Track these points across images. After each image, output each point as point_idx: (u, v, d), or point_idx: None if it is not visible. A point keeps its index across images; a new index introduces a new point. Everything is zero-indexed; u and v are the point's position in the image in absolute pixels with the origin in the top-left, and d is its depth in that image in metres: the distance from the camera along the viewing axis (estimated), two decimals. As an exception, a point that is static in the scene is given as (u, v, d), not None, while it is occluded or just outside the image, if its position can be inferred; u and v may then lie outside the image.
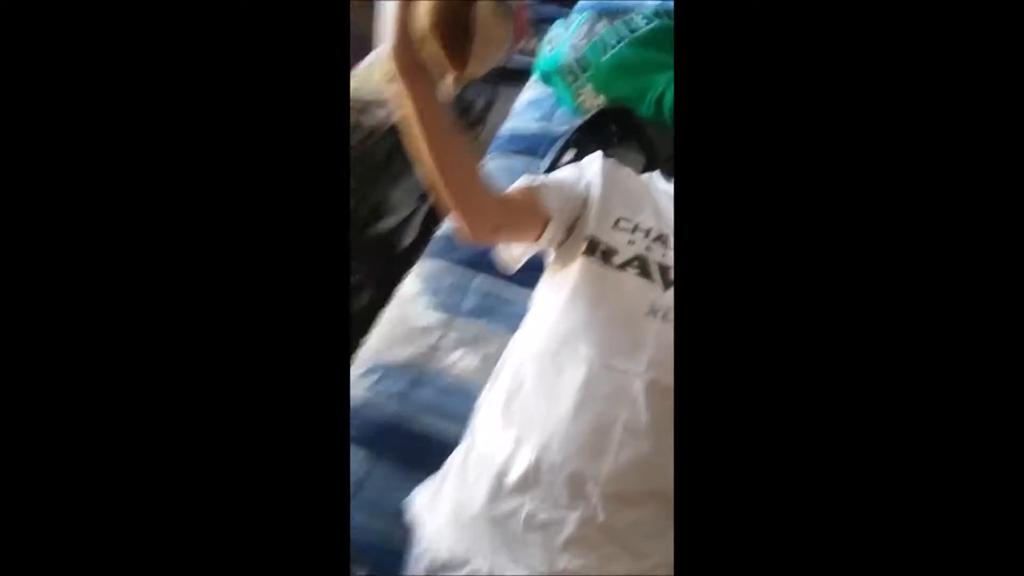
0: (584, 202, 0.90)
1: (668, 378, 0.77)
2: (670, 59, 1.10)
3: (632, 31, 1.14)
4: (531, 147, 1.22)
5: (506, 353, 0.87)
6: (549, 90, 1.23)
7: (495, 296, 1.10)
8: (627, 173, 0.97)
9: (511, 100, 1.39)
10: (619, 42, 1.14)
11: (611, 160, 0.96)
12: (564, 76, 1.17)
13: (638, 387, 0.76)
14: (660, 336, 0.79)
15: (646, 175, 1.01)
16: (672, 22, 1.19)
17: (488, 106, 2.13)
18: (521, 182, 0.88)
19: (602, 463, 0.74)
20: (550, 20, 1.47)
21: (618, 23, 1.15)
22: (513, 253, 0.91)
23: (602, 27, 1.16)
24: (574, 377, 0.77)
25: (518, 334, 0.88)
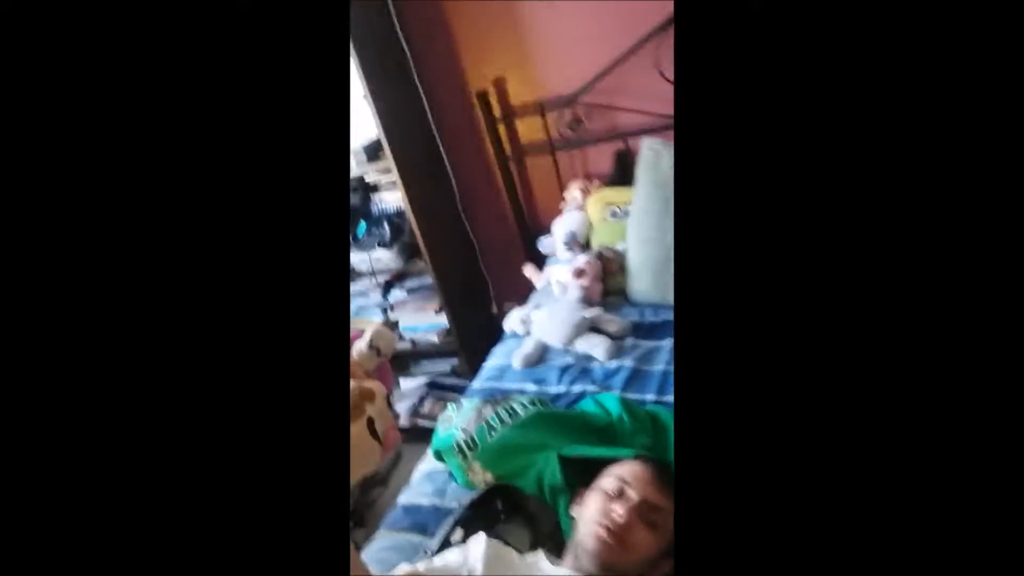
0: None
1: None
2: (549, 441, 1.25)
3: (513, 415, 1.31)
4: (422, 523, 1.24)
5: None
6: (443, 465, 1.32)
7: None
8: (511, 557, 0.99)
9: (415, 458, 1.47)
10: (503, 425, 1.30)
11: (495, 542, 1.00)
12: (455, 454, 1.28)
13: None
14: None
15: (531, 556, 1.04)
16: (547, 409, 1.39)
17: (393, 466, 2.20)
18: (403, 570, 0.88)
19: None
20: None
21: (500, 408, 1.33)
22: None
23: (488, 412, 1.33)
24: None
25: None
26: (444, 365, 2.39)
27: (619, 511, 0.95)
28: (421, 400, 2.36)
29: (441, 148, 2.22)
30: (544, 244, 2.13)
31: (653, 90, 1.88)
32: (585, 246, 1.98)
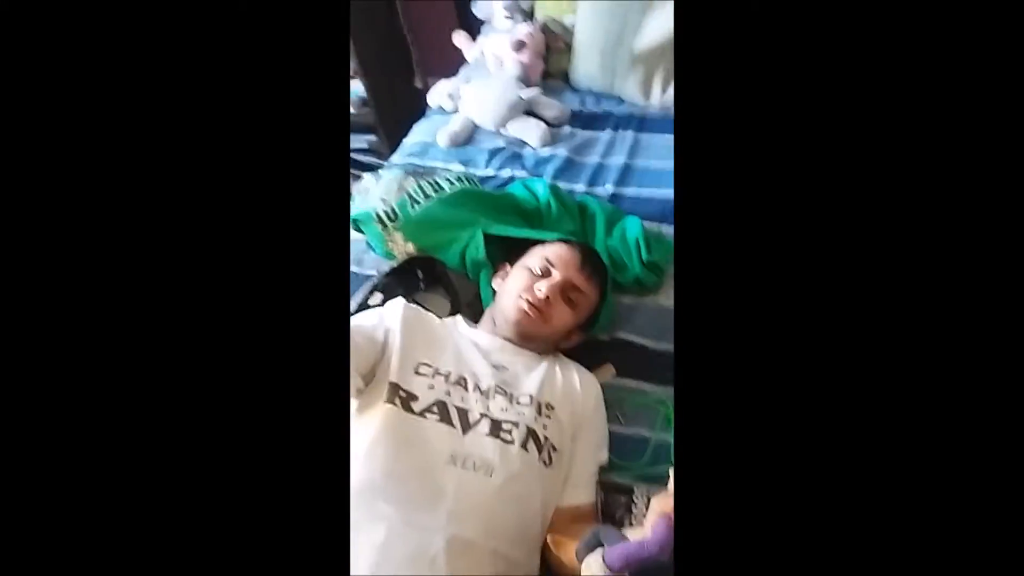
0: (383, 348, 0.89)
1: (469, 531, 0.75)
2: (473, 217, 1.21)
3: (438, 190, 1.24)
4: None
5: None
6: (361, 236, 1.26)
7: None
8: (429, 318, 1.00)
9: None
10: (426, 199, 1.22)
11: (412, 307, 0.99)
12: (375, 223, 1.21)
13: (438, 544, 0.72)
14: (461, 487, 0.78)
15: (449, 319, 1.05)
16: (473, 187, 1.32)
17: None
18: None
19: None
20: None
21: (424, 182, 1.25)
22: None
23: (411, 184, 1.24)
24: (372, 536, 0.71)
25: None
26: (360, 141, 2.20)
27: (543, 287, 0.97)
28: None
29: None
30: (480, 7, 1.86)
31: None
32: (529, 15, 1.75)
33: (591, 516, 0.88)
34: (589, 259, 1.04)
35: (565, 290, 0.98)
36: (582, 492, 0.89)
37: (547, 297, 0.96)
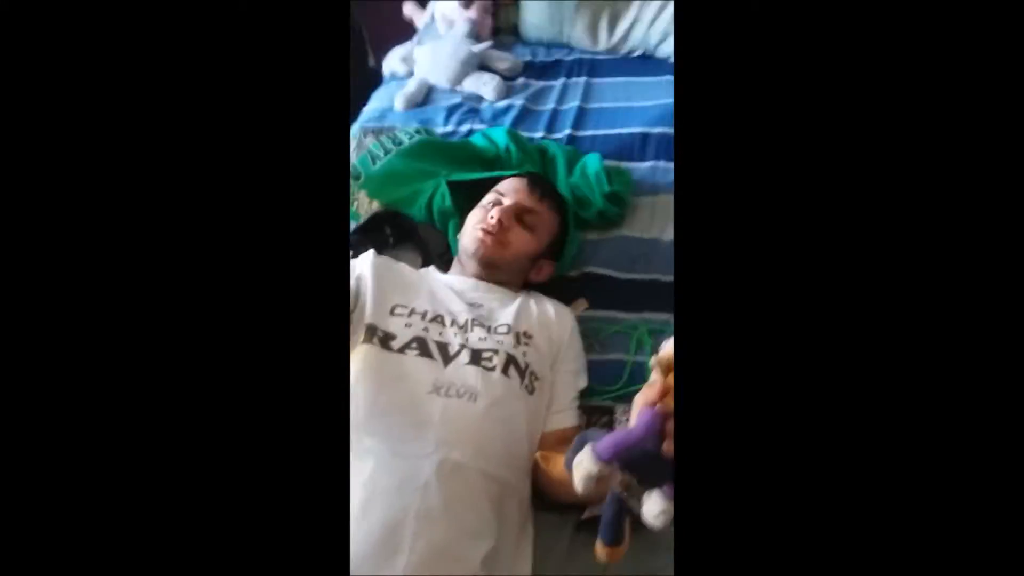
0: (356, 296, 0.90)
1: (457, 454, 0.76)
2: (436, 168, 1.21)
3: (397, 144, 1.24)
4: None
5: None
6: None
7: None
8: (400, 266, 1.01)
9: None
10: (386, 154, 1.22)
11: (383, 256, 1.00)
12: (337, 186, 1.21)
13: (427, 470, 0.74)
14: (446, 413, 0.79)
15: (422, 269, 1.06)
16: (432, 138, 1.32)
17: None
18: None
19: (397, 560, 0.69)
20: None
21: (383, 138, 1.25)
22: None
23: (368, 142, 1.24)
24: (360, 472, 0.72)
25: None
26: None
27: (494, 213, 0.99)
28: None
29: None
30: (426, -28, 1.85)
31: None
32: (473, -27, 1.75)
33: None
34: (537, 183, 1.06)
35: (518, 213, 1.00)
36: (566, 416, 0.92)
37: (499, 220, 0.98)
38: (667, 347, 0.58)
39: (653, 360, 0.59)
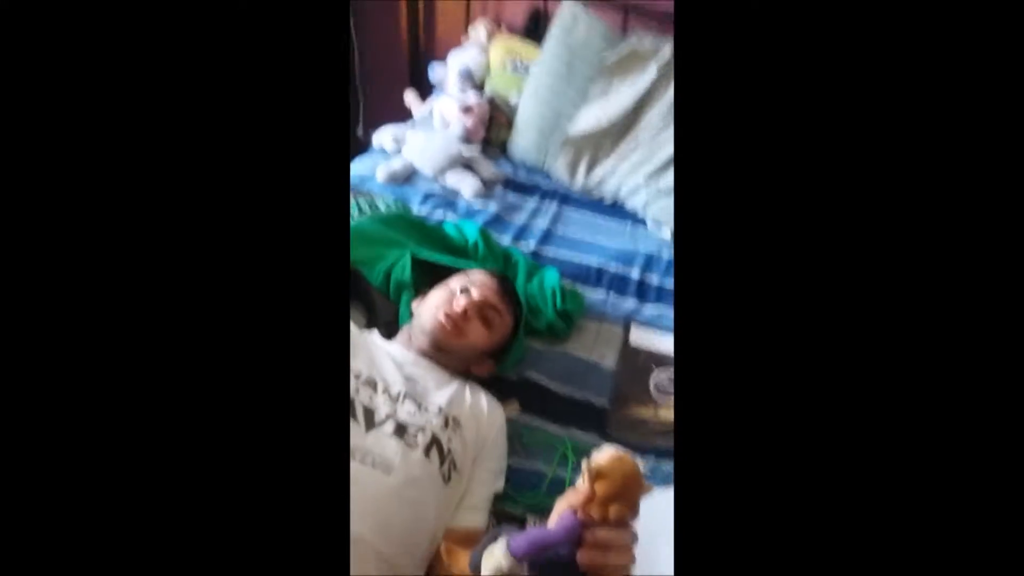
0: None
1: (357, 526, 0.70)
2: (404, 240, 1.23)
3: (373, 208, 1.26)
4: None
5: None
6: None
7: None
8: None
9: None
10: (360, 214, 1.24)
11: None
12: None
13: None
14: (356, 481, 0.74)
15: (366, 331, 1.04)
16: (408, 214, 1.35)
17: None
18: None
19: None
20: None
21: (360, 199, 1.27)
22: None
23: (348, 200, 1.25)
24: None
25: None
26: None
27: (462, 301, 1.01)
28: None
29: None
30: (435, 72, 2.00)
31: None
32: (479, 87, 1.91)
33: (480, 540, 0.86)
34: (506, 286, 1.09)
35: (483, 309, 1.02)
36: (475, 515, 0.88)
37: (465, 311, 0.99)
38: (598, 455, 0.59)
39: (584, 464, 0.59)
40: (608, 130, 1.71)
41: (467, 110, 1.73)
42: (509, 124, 1.85)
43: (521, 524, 0.91)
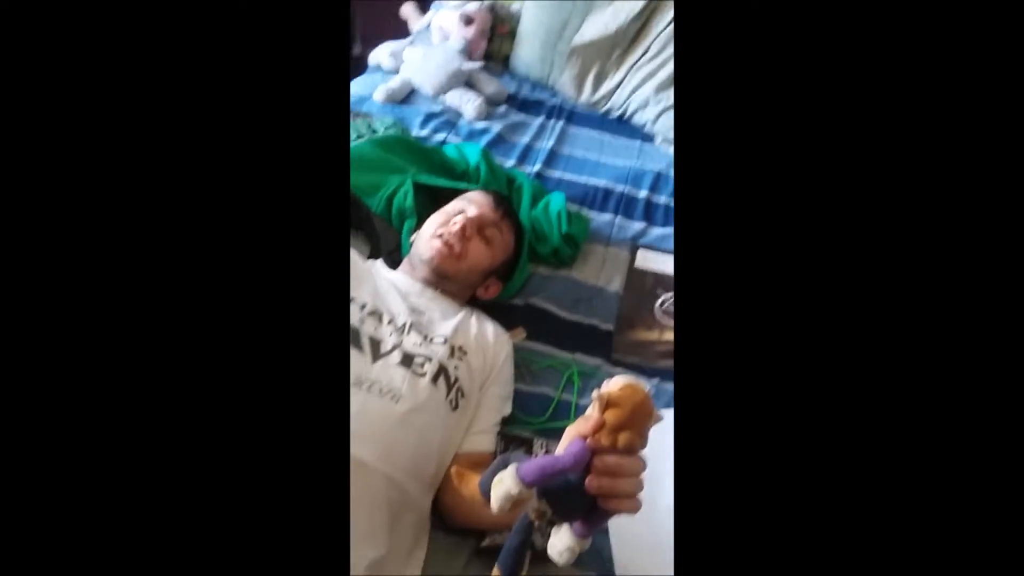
0: None
1: (365, 453, 0.72)
2: (404, 165, 1.19)
3: (372, 131, 1.21)
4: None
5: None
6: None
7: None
8: (351, 254, 0.97)
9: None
10: (358, 138, 1.19)
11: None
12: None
13: None
14: (363, 409, 0.76)
15: (370, 261, 1.03)
16: (407, 136, 1.30)
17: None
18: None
19: None
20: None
21: (358, 120, 1.22)
22: None
23: (343, 123, 1.20)
24: None
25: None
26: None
27: (458, 220, 0.99)
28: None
29: None
30: (433, -20, 1.86)
31: None
32: (479, -4, 1.78)
33: (489, 464, 0.89)
34: (502, 202, 1.07)
35: (480, 226, 1.00)
36: (484, 440, 0.90)
37: (462, 228, 0.97)
38: (609, 384, 0.59)
39: (595, 393, 0.59)
40: (616, 39, 1.61)
41: (468, 21, 1.63)
42: (511, 35, 1.74)
43: (528, 446, 0.93)
